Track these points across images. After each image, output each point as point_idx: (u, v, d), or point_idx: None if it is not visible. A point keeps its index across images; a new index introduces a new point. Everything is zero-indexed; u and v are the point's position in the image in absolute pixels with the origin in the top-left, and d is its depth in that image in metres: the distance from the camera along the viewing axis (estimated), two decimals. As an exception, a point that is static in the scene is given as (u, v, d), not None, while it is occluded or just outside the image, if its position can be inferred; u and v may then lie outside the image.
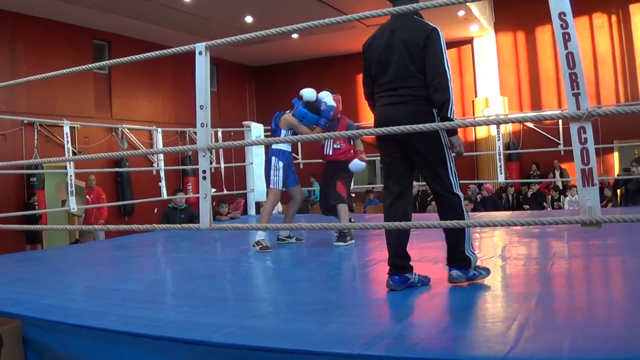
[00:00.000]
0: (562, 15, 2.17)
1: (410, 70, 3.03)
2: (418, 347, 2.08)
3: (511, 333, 2.21)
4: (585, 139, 2.18)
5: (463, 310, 2.73)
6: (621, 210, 7.66)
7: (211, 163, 10.91)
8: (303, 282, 3.54)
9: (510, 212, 9.92)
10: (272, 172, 5.30)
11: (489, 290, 3.18)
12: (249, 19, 12.52)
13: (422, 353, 2.04)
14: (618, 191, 10.44)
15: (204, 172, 2.62)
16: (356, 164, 5.24)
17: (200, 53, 2.63)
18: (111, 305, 3.07)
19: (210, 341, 2.29)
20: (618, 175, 10.88)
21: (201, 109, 2.60)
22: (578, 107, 2.17)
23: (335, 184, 5.31)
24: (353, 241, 5.19)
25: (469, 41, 15.05)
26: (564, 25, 2.17)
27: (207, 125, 2.62)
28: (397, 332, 2.29)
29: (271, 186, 5.32)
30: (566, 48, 2.17)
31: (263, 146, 8.20)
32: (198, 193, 2.68)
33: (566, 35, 2.17)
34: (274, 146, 5.30)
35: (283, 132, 5.30)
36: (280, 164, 5.29)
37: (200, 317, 2.71)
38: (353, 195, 8.13)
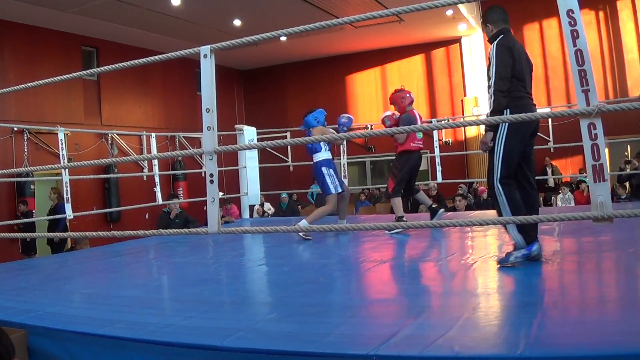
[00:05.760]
0: (570, 13, 2.18)
1: None
2: (434, 346, 2.07)
3: (525, 330, 2.21)
4: (596, 135, 2.19)
5: (472, 309, 2.73)
6: (632, 205, 7.63)
7: (201, 167, 10.88)
8: (307, 284, 3.52)
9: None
10: (327, 180, 5.79)
11: (496, 287, 3.19)
12: (237, 23, 12.51)
13: (439, 352, 2.04)
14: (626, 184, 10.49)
15: (212, 175, 2.60)
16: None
17: (205, 56, 2.60)
18: (116, 312, 3.02)
19: (223, 346, 2.26)
20: (620, 168, 10.93)
21: (207, 112, 2.57)
22: (588, 104, 2.19)
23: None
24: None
25: (457, 40, 15.13)
26: (572, 23, 2.18)
27: (213, 129, 2.60)
28: (410, 332, 2.28)
29: (332, 191, 5.79)
30: (575, 45, 2.18)
31: (256, 150, 8.18)
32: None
33: (575, 33, 2.18)
34: (316, 159, 5.89)
35: (322, 144, 5.88)
36: (331, 170, 5.84)
37: (209, 322, 2.68)
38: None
